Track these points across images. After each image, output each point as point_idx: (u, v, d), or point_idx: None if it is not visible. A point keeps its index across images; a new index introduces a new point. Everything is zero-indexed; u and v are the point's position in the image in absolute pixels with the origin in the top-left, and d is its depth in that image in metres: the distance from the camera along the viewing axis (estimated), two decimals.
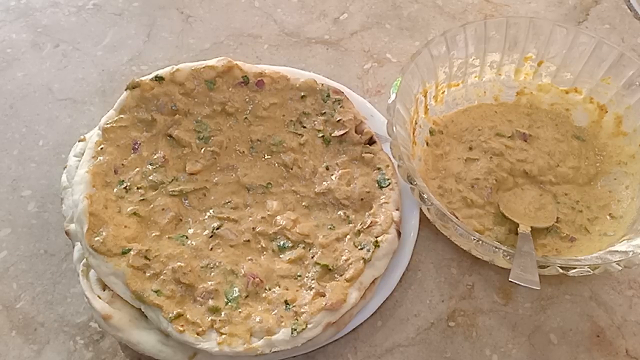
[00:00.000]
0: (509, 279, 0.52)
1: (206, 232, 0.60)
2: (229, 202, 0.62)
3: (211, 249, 0.58)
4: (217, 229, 0.60)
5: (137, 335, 0.53)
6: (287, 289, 0.56)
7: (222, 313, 0.54)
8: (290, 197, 0.63)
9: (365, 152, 0.64)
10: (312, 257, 0.58)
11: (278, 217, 0.61)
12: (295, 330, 0.52)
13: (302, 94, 0.67)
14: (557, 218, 0.64)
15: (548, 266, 0.54)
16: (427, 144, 0.68)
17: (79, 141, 0.63)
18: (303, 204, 0.63)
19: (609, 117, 0.68)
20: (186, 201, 0.62)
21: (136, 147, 0.63)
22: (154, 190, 0.61)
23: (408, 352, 0.57)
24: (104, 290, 0.55)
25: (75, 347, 0.56)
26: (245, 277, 0.56)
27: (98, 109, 0.71)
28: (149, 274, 0.55)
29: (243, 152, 0.65)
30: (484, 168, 0.65)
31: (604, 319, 0.59)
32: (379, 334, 0.58)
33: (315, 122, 0.67)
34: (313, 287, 0.56)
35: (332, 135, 0.66)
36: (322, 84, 0.68)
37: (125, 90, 0.64)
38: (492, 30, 0.69)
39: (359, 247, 0.58)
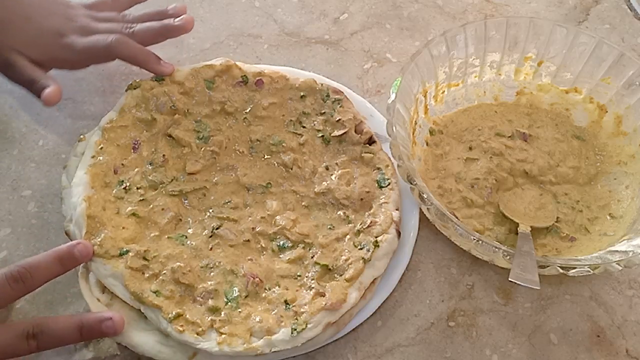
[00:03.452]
0: (509, 279, 0.52)
1: (206, 232, 0.60)
2: (228, 202, 0.62)
3: (211, 249, 0.58)
4: (217, 228, 0.60)
5: (137, 337, 0.53)
6: (287, 289, 0.56)
7: (222, 313, 0.54)
8: (290, 197, 0.63)
9: (365, 152, 0.64)
10: (312, 257, 0.58)
11: (278, 217, 0.61)
12: (295, 330, 0.52)
13: (302, 93, 0.68)
14: (557, 218, 0.64)
15: (548, 266, 0.54)
16: (427, 144, 0.68)
17: (78, 141, 0.63)
18: (303, 203, 0.63)
19: (609, 117, 0.68)
20: (186, 201, 0.62)
21: (136, 146, 0.63)
22: (153, 190, 0.61)
23: (408, 352, 0.57)
24: (103, 292, 0.55)
25: (75, 347, 0.56)
26: (245, 277, 0.56)
27: (98, 109, 0.71)
28: (147, 275, 0.55)
29: (243, 152, 0.65)
30: (484, 168, 0.65)
31: (604, 319, 0.59)
32: (379, 334, 0.58)
33: (315, 122, 0.67)
34: (313, 287, 0.56)
35: (332, 135, 0.66)
36: (322, 84, 0.68)
37: (126, 90, 0.64)
38: (492, 30, 0.69)
39: (359, 247, 0.58)
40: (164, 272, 0.55)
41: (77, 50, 0.64)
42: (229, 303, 0.55)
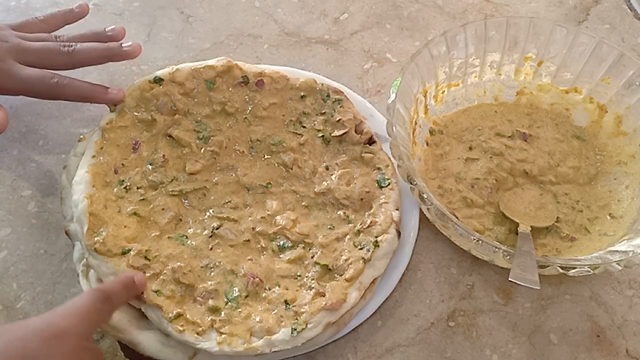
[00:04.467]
0: (509, 279, 0.52)
1: (206, 232, 0.60)
2: (228, 202, 0.62)
3: (211, 248, 0.59)
4: (217, 228, 0.60)
5: (137, 336, 0.53)
6: (287, 289, 0.56)
7: (222, 313, 0.54)
8: (290, 197, 0.63)
9: (365, 152, 0.64)
10: (312, 257, 0.58)
11: (278, 217, 0.61)
12: (295, 330, 0.52)
13: (302, 93, 0.68)
14: (557, 218, 0.64)
15: (548, 266, 0.54)
16: (427, 144, 0.68)
17: (78, 141, 0.63)
18: (303, 203, 0.63)
19: (609, 117, 0.68)
20: (186, 201, 0.62)
21: (136, 147, 0.63)
22: (154, 190, 0.61)
23: (408, 352, 0.57)
24: None
25: None
26: (245, 277, 0.56)
27: (98, 109, 0.71)
28: (148, 274, 0.55)
29: (243, 152, 0.65)
30: (484, 168, 0.65)
31: (604, 319, 0.59)
32: (379, 334, 0.58)
33: (315, 122, 0.67)
34: (313, 287, 0.56)
35: (332, 135, 0.66)
36: (322, 84, 0.68)
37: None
38: (492, 30, 0.69)
39: (359, 247, 0.58)
40: (165, 271, 0.55)
41: (18, 78, 0.61)
42: (229, 303, 0.55)
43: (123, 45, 0.65)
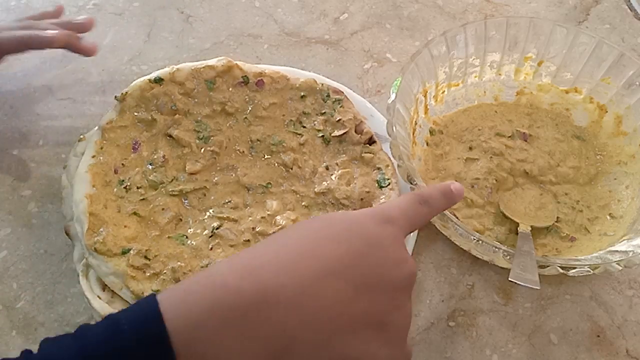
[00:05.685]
0: (509, 279, 0.52)
1: (206, 231, 0.60)
2: (228, 202, 0.62)
3: (211, 248, 0.59)
4: (217, 228, 0.60)
5: None
6: None
7: None
8: (290, 197, 0.63)
9: (365, 152, 0.64)
10: None
11: (278, 217, 0.61)
12: None
13: (302, 93, 0.68)
14: (557, 218, 0.64)
15: (548, 266, 0.54)
16: (427, 144, 0.68)
17: (78, 141, 0.63)
18: (303, 203, 0.63)
19: (609, 117, 0.68)
20: (186, 201, 0.62)
21: (136, 147, 0.63)
22: (154, 190, 0.61)
23: None
24: (104, 290, 0.55)
25: None
26: None
27: (98, 109, 0.71)
28: (148, 274, 0.55)
29: (243, 152, 0.65)
30: (484, 168, 0.65)
31: (604, 319, 0.59)
32: None
33: (315, 122, 0.67)
34: None
35: (332, 135, 0.66)
36: (322, 84, 0.68)
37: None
38: (492, 30, 0.69)
39: None
40: (165, 271, 0.55)
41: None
42: None
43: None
